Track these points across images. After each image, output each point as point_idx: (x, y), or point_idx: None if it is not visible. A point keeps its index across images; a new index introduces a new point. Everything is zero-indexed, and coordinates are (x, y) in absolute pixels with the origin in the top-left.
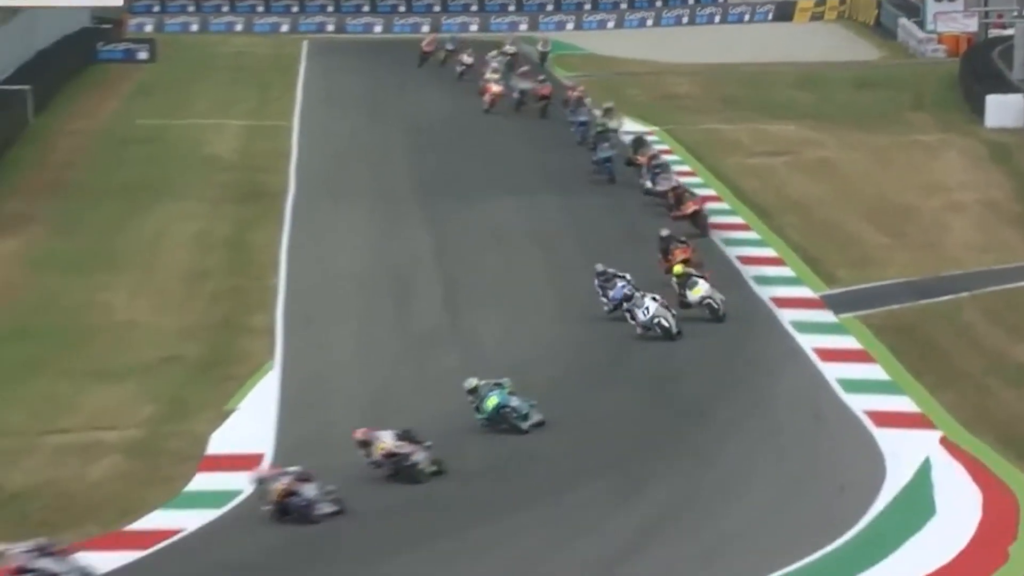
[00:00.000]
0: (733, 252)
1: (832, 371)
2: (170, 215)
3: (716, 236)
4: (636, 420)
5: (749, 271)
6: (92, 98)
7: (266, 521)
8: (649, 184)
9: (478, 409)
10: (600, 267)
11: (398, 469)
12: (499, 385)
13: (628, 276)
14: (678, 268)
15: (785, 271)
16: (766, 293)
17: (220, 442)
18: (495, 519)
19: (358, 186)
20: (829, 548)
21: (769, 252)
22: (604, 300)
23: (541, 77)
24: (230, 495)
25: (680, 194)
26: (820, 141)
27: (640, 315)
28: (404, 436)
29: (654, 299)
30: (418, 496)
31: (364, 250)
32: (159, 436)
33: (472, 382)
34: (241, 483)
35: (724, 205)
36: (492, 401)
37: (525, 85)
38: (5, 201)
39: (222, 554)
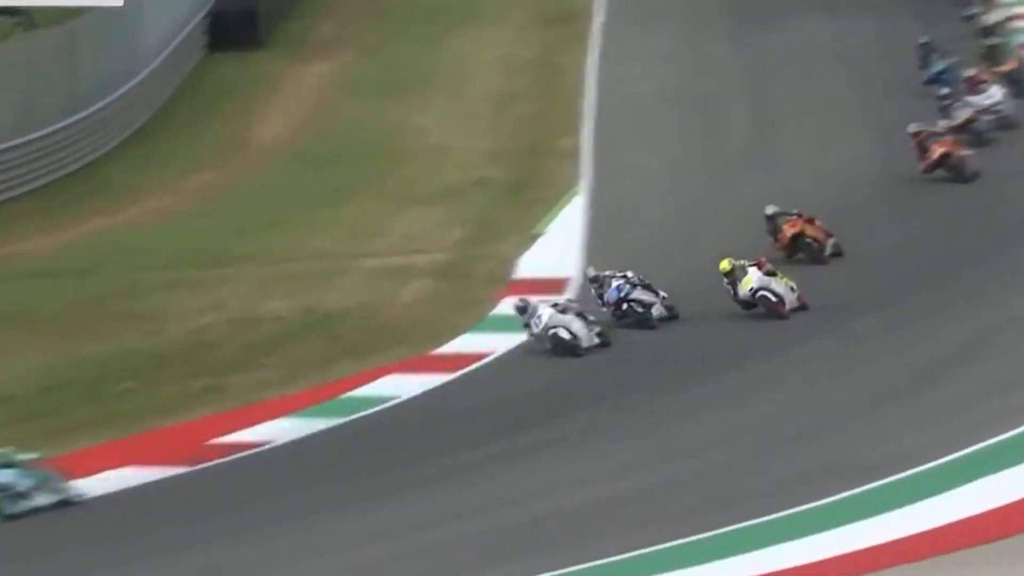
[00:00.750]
0: None
1: None
2: (477, 39)
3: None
4: (924, 257)
5: None
6: None
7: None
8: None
9: None
10: (591, 271)
11: None
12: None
13: (629, 273)
14: (724, 264)
15: None
16: None
17: (527, 265)
18: (780, 353)
19: (664, 7)
20: None
21: None
22: (600, 304)
23: None
24: None
25: (923, 140)
26: None
27: (533, 326)
28: None
29: (553, 305)
30: (718, 326)
31: (670, 72)
32: (468, 259)
33: None
34: None
35: None
36: None
37: None
38: (318, 25)
39: (529, 378)
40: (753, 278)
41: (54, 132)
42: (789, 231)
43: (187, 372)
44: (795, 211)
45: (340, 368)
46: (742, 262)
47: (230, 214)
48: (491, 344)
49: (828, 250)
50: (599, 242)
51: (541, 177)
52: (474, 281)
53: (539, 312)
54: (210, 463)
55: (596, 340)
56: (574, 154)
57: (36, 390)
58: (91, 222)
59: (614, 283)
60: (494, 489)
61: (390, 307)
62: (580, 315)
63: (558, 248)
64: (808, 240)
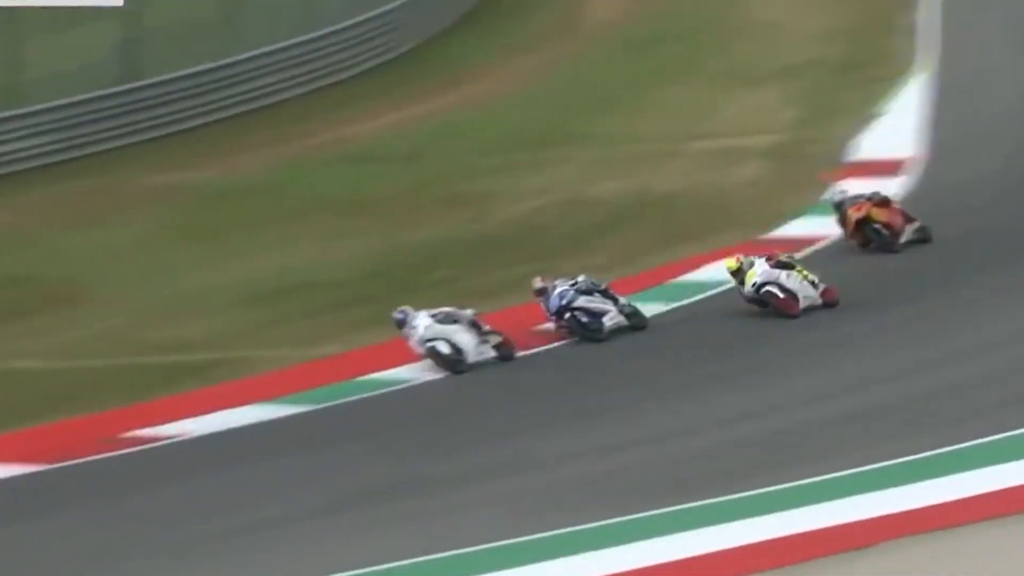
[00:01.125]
0: None
1: None
2: None
3: None
4: None
5: None
6: None
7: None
8: None
9: None
10: (538, 282)
11: None
12: None
13: (580, 278)
14: (730, 263)
15: None
16: None
17: (864, 147)
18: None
19: None
20: None
21: None
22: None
23: None
24: None
25: None
26: None
27: (409, 338)
28: None
29: (433, 315)
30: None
31: None
32: (801, 141)
33: None
34: (888, 190)
35: None
36: None
37: None
38: None
39: (851, 265)
40: (757, 272)
41: (382, 15)
42: (854, 216)
43: (514, 257)
44: (867, 194)
45: (671, 252)
46: (751, 257)
47: (558, 96)
48: (824, 228)
49: (905, 236)
50: (941, 122)
51: (879, 55)
52: (808, 163)
53: (415, 322)
54: (532, 351)
55: (492, 353)
56: (914, 31)
57: (360, 276)
58: (418, 105)
59: (558, 290)
60: (790, 387)
61: (721, 190)
62: (474, 324)
63: (897, 129)
64: (876, 226)
